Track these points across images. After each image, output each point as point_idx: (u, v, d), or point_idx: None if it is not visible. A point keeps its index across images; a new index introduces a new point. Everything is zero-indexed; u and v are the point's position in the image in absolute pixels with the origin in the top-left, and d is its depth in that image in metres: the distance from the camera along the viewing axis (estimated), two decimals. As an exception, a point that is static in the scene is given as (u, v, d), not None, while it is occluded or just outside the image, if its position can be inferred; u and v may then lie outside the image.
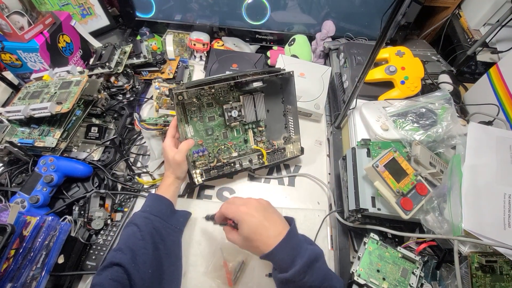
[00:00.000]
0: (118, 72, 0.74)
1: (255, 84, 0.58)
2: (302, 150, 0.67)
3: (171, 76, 0.81)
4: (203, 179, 0.62)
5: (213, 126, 0.62)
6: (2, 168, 0.61)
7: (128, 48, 0.77)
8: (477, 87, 0.76)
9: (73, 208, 0.55)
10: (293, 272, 0.37)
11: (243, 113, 0.62)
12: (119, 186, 0.63)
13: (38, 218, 0.46)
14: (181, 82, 0.81)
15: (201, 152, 0.61)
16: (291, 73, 0.60)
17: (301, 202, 0.64)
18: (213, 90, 0.58)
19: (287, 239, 0.39)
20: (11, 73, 0.74)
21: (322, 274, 0.38)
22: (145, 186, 0.64)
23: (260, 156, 0.65)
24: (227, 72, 0.82)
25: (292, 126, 0.66)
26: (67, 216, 0.53)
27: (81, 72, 0.70)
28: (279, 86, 0.64)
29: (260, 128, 0.65)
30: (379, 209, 0.49)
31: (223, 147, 0.63)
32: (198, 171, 0.62)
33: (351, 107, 0.64)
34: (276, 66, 0.80)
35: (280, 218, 0.43)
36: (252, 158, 0.65)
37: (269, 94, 0.63)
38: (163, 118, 0.66)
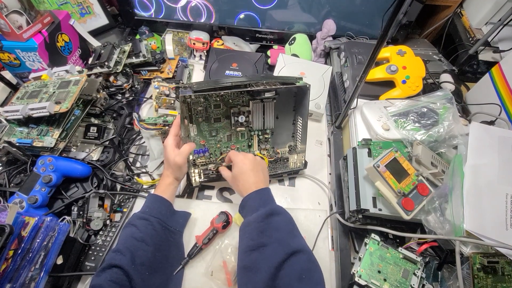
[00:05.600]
0: (117, 71, 0.73)
1: (268, 94, 0.57)
2: (305, 164, 0.65)
3: (170, 75, 0.81)
4: (200, 180, 0.62)
5: (217, 128, 0.60)
6: (1, 168, 0.60)
7: (127, 47, 0.77)
8: (479, 87, 0.76)
9: (72, 208, 0.54)
10: (254, 216, 0.46)
11: (251, 119, 0.60)
12: (118, 186, 0.63)
13: (36, 218, 0.45)
14: (181, 81, 0.80)
15: (202, 152, 0.60)
16: (307, 86, 0.55)
17: (301, 202, 0.63)
18: (222, 92, 0.56)
19: (260, 192, 0.50)
20: (10, 72, 0.73)
21: (276, 226, 0.44)
22: (144, 186, 0.63)
23: None
24: (235, 73, 0.81)
25: (300, 136, 0.63)
26: (66, 217, 0.52)
27: (80, 72, 0.69)
28: (293, 94, 0.61)
29: (266, 136, 0.64)
30: (380, 210, 0.48)
31: (225, 149, 0.63)
32: (197, 171, 0.62)
33: (352, 107, 0.64)
34: (277, 66, 0.80)
35: (264, 176, 0.54)
36: None
37: (282, 100, 0.60)
38: (162, 118, 0.65)
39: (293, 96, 0.61)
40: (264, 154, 0.65)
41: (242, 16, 0.88)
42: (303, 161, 0.65)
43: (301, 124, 0.62)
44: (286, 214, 0.47)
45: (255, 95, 0.58)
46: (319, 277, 0.40)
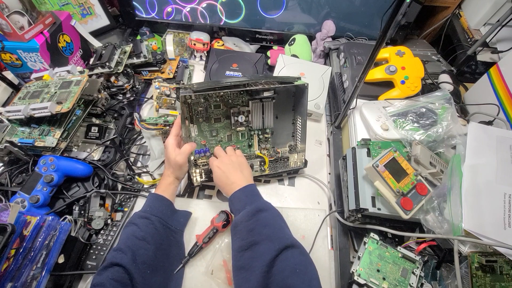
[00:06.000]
0: (118, 71, 0.74)
1: (266, 94, 0.57)
2: (305, 163, 0.65)
3: (171, 76, 0.81)
4: (201, 179, 0.62)
5: (218, 128, 0.61)
6: (2, 168, 0.61)
7: (128, 48, 0.77)
8: (477, 87, 0.76)
9: (73, 208, 0.55)
10: (241, 215, 0.45)
11: (250, 119, 0.61)
12: (119, 186, 0.63)
13: (38, 217, 0.46)
14: (181, 81, 0.81)
15: (203, 152, 0.61)
16: (305, 85, 0.56)
17: (301, 202, 0.64)
18: (221, 93, 0.56)
19: (244, 190, 0.50)
20: (11, 73, 0.74)
21: (265, 222, 0.44)
22: (145, 186, 0.64)
23: (262, 163, 0.65)
24: (235, 74, 0.81)
25: (300, 135, 0.64)
26: (67, 216, 0.53)
27: (81, 72, 0.70)
28: (292, 93, 0.61)
29: (266, 135, 0.64)
30: (379, 209, 0.49)
31: (224, 148, 0.63)
32: (198, 170, 0.62)
33: (351, 107, 0.64)
34: (277, 66, 0.80)
35: (243, 174, 0.53)
36: (253, 164, 0.64)
37: (281, 100, 0.61)
38: (163, 118, 0.66)
39: (292, 96, 0.62)
40: (264, 154, 0.65)
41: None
42: (303, 160, 0.65)
43: (300, 124, 0.62)
44: (273, 210, 0.47)
45: (254, 95, 0.58)
46: (312, 270, 0.40)
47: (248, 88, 0.54)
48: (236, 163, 0.54)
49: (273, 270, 0.38)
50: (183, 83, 0.80)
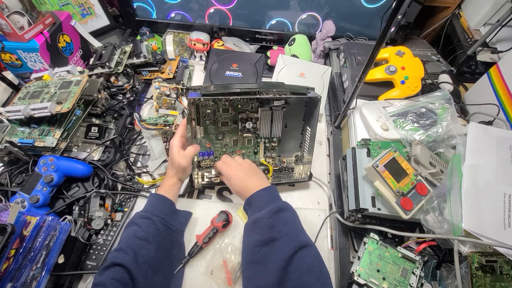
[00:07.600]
0: (118, 72, 0.74)
1: (277, 103, 0.56)
2: (310, 176, 0.64)
3: (171, 76, 0.81)
4: (203, 182, 0.62)
5: (224, 132, 0.60)
6: (2, 168, 0.61)
7: (128, 48, 0.77)
8: (477, 87, 0.76)
9: (73, 208, 0.55)
10: (263, 212, 0.47)
11: (258, 126, 0.60)
12: (119, 186, 0.63)
13: (38, 218, 0.46)
14: (181, 81, 0.81)
15: (207, 155, 0.60)
16: (318, 97, 0.55)
17: (301, 202, 0.64)
18: (231, 97, 0.55)
19: (267, 189, 0.51)
20: (11, 73, 0.74)
21: (285, 221, 0.46)
22: (145, 186, 0.63)
23: (266, 171, 0.64)
24: (235, 74, 0.81)
25: (308, 147, 0.62)
26: (67, 216, 0.53)
27: (81, 72, 0.70)
28: (304, 103, 0.60)
29: (273, 144, 0.63)
30: (379, 209, 0.49)
31: (230, 154, 0.62)
32: (200, 173, 0.62)
33: (351, 107, 0.64)
34: (277, 66, 0.80)
35: (260, 177, 0.55)
36: None
37: (291, 109, 0.60)
38: (163, 118, 0.66)
39: (304, 106, 0.61)
40: (269, 162, 0.64)
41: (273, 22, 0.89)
42: (308, 173, 0.64)
43: (309, 135, 0.61)
44: (293, 210, 0.49)
45: (264, 103, 0.57)
46: (326, 271, 0.41)
47: (259, 96, 0.53)
48: (251, 169, 0.56)
49: (290, 266, 0.39)
50: (182, 83, 0.80)
